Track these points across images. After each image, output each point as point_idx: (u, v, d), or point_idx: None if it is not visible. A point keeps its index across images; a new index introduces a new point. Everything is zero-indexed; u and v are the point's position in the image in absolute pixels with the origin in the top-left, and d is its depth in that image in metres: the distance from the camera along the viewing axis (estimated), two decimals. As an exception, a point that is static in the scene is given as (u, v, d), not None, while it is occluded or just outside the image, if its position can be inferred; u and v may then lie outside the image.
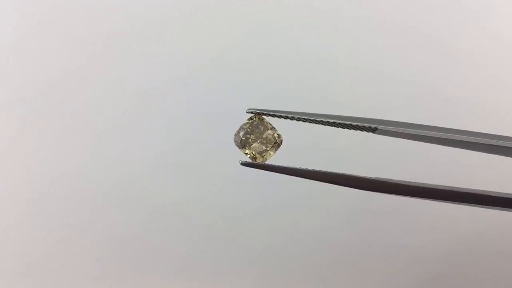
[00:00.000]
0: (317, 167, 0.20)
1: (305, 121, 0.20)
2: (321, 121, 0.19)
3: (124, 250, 0.41)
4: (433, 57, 0.41)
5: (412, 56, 0.41)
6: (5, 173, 0.40)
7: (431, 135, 0.19)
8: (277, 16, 0.41)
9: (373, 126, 0.19)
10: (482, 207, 0.20)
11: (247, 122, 0.21)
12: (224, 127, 0.40)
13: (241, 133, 0.21)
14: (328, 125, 0.19)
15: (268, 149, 0.20)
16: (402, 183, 0.20)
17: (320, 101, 0.41)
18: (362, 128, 0.19)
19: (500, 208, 0.20)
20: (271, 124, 0.21)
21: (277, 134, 0.21)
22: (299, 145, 0.40)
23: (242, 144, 0.21)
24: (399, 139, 0.20)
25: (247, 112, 0.20)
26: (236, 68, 0.41)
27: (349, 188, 0.21)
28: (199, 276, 0.42)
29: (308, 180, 0.41)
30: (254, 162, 0.21)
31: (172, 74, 0.40)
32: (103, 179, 0.41)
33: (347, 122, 0.19)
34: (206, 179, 0.41)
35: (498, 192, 0.20)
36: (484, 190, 0.20)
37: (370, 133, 0.20)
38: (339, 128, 0.20)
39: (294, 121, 0.20)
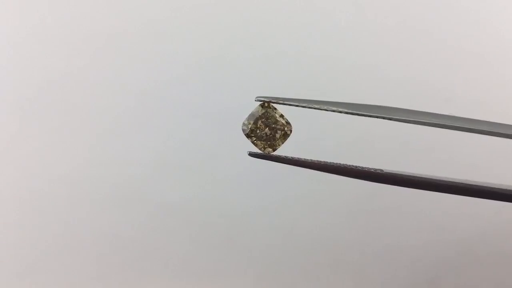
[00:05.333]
0: (328, 158, 0.20)
1: (316, 110, 0.19)
2: (333, 110, 0.19)
3: (124, 250, 0.41)
4: (433, 56, 0.41)
5: (412, 56, 0.41)
6: (5, 173, 0.40)
7: (443, 123, 0.19)
8: (278, 16, 0.41)
9: (386, 117, 0.19)
10: (490, 200, 0.20)
11: (256, 110, 0.20)
12: (224, 128, 0.40)
13: (250, 121, 0.20)
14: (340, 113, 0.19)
15: (277, 138, 0.20)
16: (412, 175, 0.19)
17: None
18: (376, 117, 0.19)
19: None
20: (280, 112, 0.20)
21: (287, 123, 0.20)
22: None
23: (251, 132, 0.20)
24: (413, 125, 0.20)
25: (256, 100, 0.20)
26: (237, 68, 0.41)
27: (354, 183, 0.20)
28: (199, 276, 0.42)
29: (308, 180, 0.41)
30: (262, 153, 0.20)
31: (172, 74, 0.40)
32: (103, 179, 0.41)
33: (361, 113, 0.19)
34: (206, 179, 0.41)
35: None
36: (494, 183, 0.20)
37: (384, 120, 0.19)
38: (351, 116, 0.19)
39: (305, 110, 0.20)
